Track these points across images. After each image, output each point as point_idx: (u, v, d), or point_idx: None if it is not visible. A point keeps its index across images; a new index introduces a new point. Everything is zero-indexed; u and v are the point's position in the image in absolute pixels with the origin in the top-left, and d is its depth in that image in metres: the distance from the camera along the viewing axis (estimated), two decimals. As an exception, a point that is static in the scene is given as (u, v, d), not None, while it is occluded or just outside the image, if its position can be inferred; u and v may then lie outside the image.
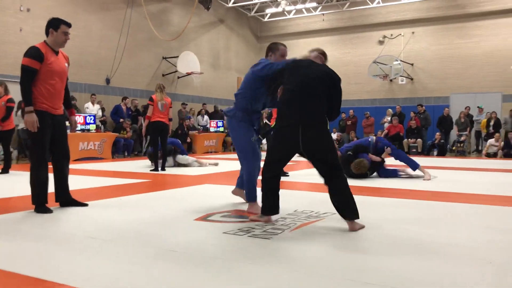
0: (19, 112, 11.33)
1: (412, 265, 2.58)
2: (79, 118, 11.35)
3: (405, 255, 2.78)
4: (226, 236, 3.26)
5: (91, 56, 13.97)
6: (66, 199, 4.44)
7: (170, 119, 8.48)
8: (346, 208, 3.48)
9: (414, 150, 15.36)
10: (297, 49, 21.29)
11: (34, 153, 4.23)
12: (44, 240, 3.13)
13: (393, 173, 7.47)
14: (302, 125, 3.47)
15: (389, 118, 16.68)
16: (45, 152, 4.24)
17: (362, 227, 3.52)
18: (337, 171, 3.51)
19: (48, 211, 4.14)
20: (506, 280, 2.33)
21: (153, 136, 8.45)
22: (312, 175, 7.57)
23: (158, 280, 2.31)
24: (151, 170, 8.28)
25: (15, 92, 11.56)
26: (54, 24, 4.27)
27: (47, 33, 4.30)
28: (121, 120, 13.01)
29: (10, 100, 7.89)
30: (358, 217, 3.47)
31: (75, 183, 6.15)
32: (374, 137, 7.64)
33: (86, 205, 4.48)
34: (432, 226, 3.67)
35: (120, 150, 12.74)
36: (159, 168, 8.38)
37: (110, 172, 8.37)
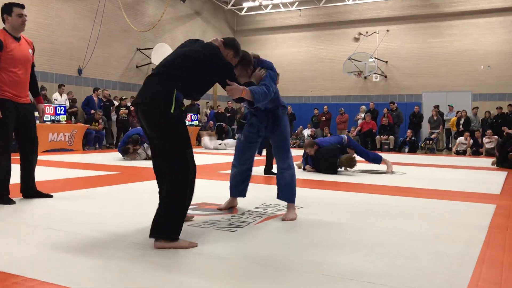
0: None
1: (371, 257, 2.62)
2: (48, 109, 11.12)
3: (364, 249, 2.82)
4: (191, 228, 3.25)
5: (62, 46, 13.68)
6: (31, 190, 4.35)
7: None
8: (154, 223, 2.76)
9: (386, 146, 15.58)
10: (274, 44, 21.40)
11: None
12: (4, 232, 3.06)
13: (377, 158, 7.74)
14: None
15: (362, 115, 16.87)
16: (8, 142, 4.13)
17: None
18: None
19: (11, 202, 4.04)
20: (459, 273, 2.39)
21: None
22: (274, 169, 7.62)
23: (115, 273, 2.29)
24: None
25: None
26: (6, 9, 4.11)
27: (3, 21, 4.16)
28: (92, 111, 12.80)
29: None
30: (157, 236, 2.71)
31: (43, 174, 6.05)
32: (346, 137, 7.71)
33: (50, 196, 4.40)
34: (394, 220, 3.73)
35: (91, 142, 12.55)
36: None
37: (80, 164, 8.24)
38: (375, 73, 18.50)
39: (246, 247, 2.80)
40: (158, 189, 3.08)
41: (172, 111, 2.76)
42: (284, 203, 4.29)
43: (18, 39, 4.16)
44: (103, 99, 13.78)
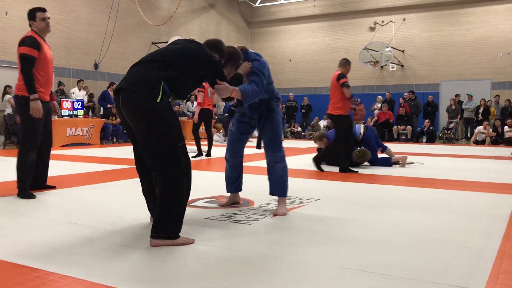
0: (6, 97, 11.22)
1: (388, 249, 2.61)
2: (66, 103, 11.26)
3: (381, 240, 2.80)
4: (208, 221, 3.27)
5: (79, 41, 13.80)
6: (41, 183, 4.53)
7: (213, 106, 8.72)
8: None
9: (404, 137, 15.43)
10: (289, 35, 21.27)
11: (27, 139, 4.24)
12: (29, 227, 3.12)
13: (385, 162, 7.17)
14: None
15: (379, 105, 16.72)
16: (38, 138, 4.29)
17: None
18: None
19: (31, 196, 4.12)
20: (479, 265, 2.36)
21: (198, 123, 8.47)
22: (297, 160, 7.60)
23: (134, 265, 2.32)
24: (193, 157, 8.05)
25: (3, 77, 11.44)
26: (30, 15, 4.38)
27: (30, 26, 4.38)
28: (109, 106, 12.91)
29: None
30: (155, 235, 2.63)
31: (62, 168, 6.14)
32: (362, 127, 7.25)
33: (54, 187, 4.60)
34: (411, 211, 3.70)
35: (109, 136, 12.68)
36: (204, 154, 8.49)
37: (98, 158, 8.34)
38: (391, 63, 18.27)
39: (261, 240, 2.81)
40: (142, 188, 3.02)
41: (158, 100, 2.59)
42: (302, 195, 4.30)
43: (44, 41, 4.38)
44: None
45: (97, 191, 4.56)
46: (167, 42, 16.01)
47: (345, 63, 6.34)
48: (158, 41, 16.45)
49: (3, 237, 2.81)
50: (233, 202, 3.88)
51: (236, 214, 3.51)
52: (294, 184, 5.09)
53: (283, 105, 18.69)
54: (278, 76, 21.23)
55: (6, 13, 11.87)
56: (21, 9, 12.18)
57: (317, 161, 6.45)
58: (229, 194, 3.92)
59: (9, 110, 11.09)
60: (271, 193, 3.67)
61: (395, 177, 5.84)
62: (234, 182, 3.82)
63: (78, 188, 4.68)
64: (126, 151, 9.59)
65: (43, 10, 4.39)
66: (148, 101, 2.60)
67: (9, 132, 11.18)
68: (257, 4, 21.50)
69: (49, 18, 4.40)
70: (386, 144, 7.73)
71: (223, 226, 3.14)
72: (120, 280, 2.09)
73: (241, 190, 3.89)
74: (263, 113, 3.56)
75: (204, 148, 8.71)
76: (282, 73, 21.12)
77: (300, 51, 20.75)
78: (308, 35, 20.69)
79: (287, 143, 13.30)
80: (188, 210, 3.66)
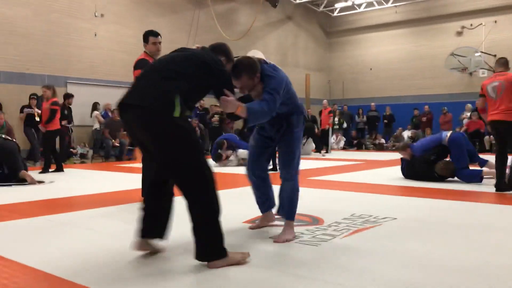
0: (94, 113, 11.87)
1: (475, 278, 2.26)
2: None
3: (466, 268, 2.46)
4: (271, 241, 3.09)
5: (161, 58, 14.33)
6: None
7: None
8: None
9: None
10: (370, 43, 20.68)
11: None
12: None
13: (473, 175, 6.19)
14: None
15: (468, 114, 15.63)
16: None
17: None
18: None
19: None
20: None
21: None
22: (379, 173, 7.20)
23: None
24: None
25: (91, 95, 12.16)
26: (144, 37, 4.71)
27: (144, 47, 4.75)
28: (189, 120, 13.22)
29: (54, 103, 8.15)
30: (208, 259, 2.48)
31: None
32: (448, 134, 6.46)
33: None
34: (500, 233, 3.27)
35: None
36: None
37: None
38: (481, 68, 17.04)
39: (327, 265, 2.58)
40: (148, 208, 2.69)
41: (176, 114, 2.38)
42: (377, 214, 4.00)
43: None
44: (199, 107, 14.20)
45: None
46: (245, 55, 16.18)
47: (506, 62, 5.67)
48: (236, 56, 16.61)
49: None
50: (268, 221, 3.54)
51: (302, 234, 3.30)
52: (370, 201, 4.79)
53: (364, 116, 18.14)
54: (358, 85, 20.70)
55: (95, 35, 12.62)
56: (108, 30, 12.93)
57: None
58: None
59: (96, 126, 11.72)
60: (278, 212, 3.38)
61: (486, 194, 5.29)
62: (263, 202, 3.48)
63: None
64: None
65: (155, 35, 4.68)
66: (165, 117, 2.39)
67: (96, 147, 11.81)
68: (336, 14, 21.17)
69: (160, 42, 4.67)
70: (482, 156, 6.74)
71: (287, 247, 2.95)
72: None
73: (273, 206, 3.51)
74: (282, 127, 3.22)
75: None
76: (363, 82, 20.54)
77: (381, 59, 20.07)
78: (390, 42, 19.97)
79: (368, 155, 12.81)
80: (251, 230, 3.52)
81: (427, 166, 6.32)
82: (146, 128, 2.43)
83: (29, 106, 10.28)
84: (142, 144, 2.63)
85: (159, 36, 4.71)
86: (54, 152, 8.32)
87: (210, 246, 2.47)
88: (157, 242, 2.74)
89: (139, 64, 4.45)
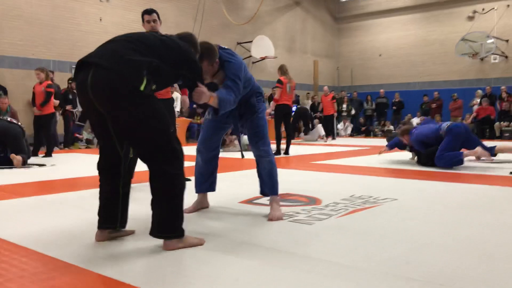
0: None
1: (468, 259, 2.17)
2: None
3: (464, 247, 2.36)
4: (265, 220, 3.01)
5: (167, 44, 14.23)
6: None
7: (293, 102, 8.60)
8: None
9: (507, 134, 14.02)
10: (379, 29, 20.36)
11: None
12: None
13: (455, 156, 5.70)
14: None
15: (478, 100, 15.39)
16: None
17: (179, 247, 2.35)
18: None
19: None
20: None
21: (278, 119, 8.27)
22: (373, 159, 7.09)
23: (176, 265, 2.13)
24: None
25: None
26: (142, 17, 4.52)
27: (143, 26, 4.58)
28: (194, 106, 13.15)
29: (49, 86, 8.08)
30: (165, 236, 2.34)
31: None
32: (446, 127, 5.86)
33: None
34: (497, 217, 3.16)
35: (194, 135, 12.94)
36: (282, 152, 8.23)
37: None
38: (493, 54, 16.72)
39: (319, 243, 2.49)
40: (104, 192, 2.49)
41: (142, 88, 2.18)
42: (378, 195, 3.90)
43: None
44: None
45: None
46: (251, 41, 16.06)
47: None
48: (242, 41, 16.51)
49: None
50: (201, 207, 3.32)
51: (298, 213, 3.21)
52: (371, 183, 4.69)
53: (373, 102, 17.94)
54: (367, 72, 20.44)
55: (100, 19, 12.54)
56: (113, 15, 12.84)
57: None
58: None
59: (102, 111, 11.69)
60: (262, 192, 3.26)
61: (488, 176, 5.16)
62: (206, 180, 3.30)
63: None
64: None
65: (149, 12, 4.48)
66: (131, 85, 2.18)
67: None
68: (344, -1, 20.87)
69: (155, 20, 4.45)
70: (487, 143, 6.40)
71: (280, 226, 2.87)
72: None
73: (213, 190, 3.36)
74: (244, 111, 3.15)
75: (282, 146, 8.47)
76: (372, 68, 20.27)
77: (391, 45, 19.77)
78: (400, 28, 19.64)
79: (375, 142, 12.66)
80: (248, 207, 3.46)
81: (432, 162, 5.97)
82: (108, 92, 2.19)
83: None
84: (91, 112, 2.33)
85: (154, 13, 4.46)
86: (49, 137, 8.24)
87: (169, 222, 2.31)
88: (119, 231, 2.57)
89: None
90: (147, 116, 2.25)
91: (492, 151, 6.03)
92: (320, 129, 13.69)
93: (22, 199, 3.85)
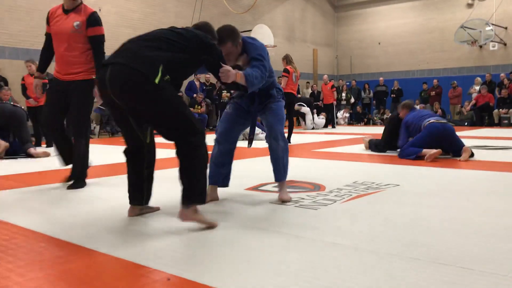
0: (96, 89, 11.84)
1: (471, 240, 2.24)
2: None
3: (464, 230, 2.43)
4: (273, 206, 3.09)
5: (167, 33, 14.22)
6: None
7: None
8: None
9: (506, 121, 14.09)
10: (378, 17, 20.33)
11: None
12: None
13: (412, 152, 5.56)
14: None
15: (477, 88, 15.43)
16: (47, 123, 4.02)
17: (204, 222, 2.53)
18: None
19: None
20: None
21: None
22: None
23: (189, 247, 2.20)
24: None
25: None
26: None
27: None
28: (194, 95, 13.19)
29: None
30: (190, 202, 2.49)
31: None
32: (427, 123, 5.67)
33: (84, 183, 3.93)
34: (508, 199, 3.24)
35: (195, 125, 12.98)
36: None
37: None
38: (492, 41, 16.73)
39: (325, 227, 2.57)
40: (128, 169, 2.76)
41: (156, 81, 2.36)
42: (380, 181, 3.97)
43: (67, 11, 3.84)
44: (205, 83, 14.15)
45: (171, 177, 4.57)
46: (251, 30, 16.04)
47: None
48: (242, 30, 16.45)
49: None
50: (211, 199, 3.22)
51: (303, 198, 3.29)
52: (373, 170, 4.77)
53: (371, 91, 17.97)
54: (366, 60, 20.44)
55: (100, 10, 12.50)
56: (114, 4, 12.82)
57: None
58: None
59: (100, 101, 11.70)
60: (276, 179, 3.27)
61: (490, 162, 5.24)
62: (220, 172, 3.28)
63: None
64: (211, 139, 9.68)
65: None
66: (145, 78, 2.37)
67: (102, 122, 11.83)
68: (343, -13, 20.80)
69: None
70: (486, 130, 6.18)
71: (286, 211, 2.94)
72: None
73: (227, 185, 3.34)
74: (262, 99, 3.21)
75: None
76: (371, 57, 20.27)
77: (390, 33, 19.76)
78: (399, 16, 19.62)
79: (376, 130, 12.73)
80: (255, 194, 3.53)
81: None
82: (126, 85, 2.39)
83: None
84: (111, 105, 2.53)
85: None
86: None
87: (195, 188, 2.48)
88: (147, 207, 2.87)
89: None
90: (163, 102, 2.42)
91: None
92: (321, 121, 13.75)
93: (34, 188, 3.91)
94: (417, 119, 5.84)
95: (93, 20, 3.84)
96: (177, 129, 2.49)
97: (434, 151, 5.33)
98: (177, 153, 2.51)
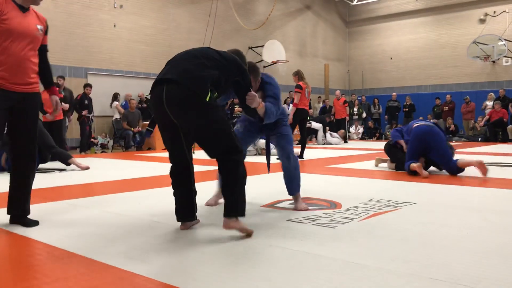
0: (114, 104, 12.00)
1: (492, 261, 2.24)
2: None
3: (484, 250, 2.43)
4: (291, 224, 3.10)
5: (180, 49, 14.16)
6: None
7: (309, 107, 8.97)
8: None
9: (520, 137, 13.98)
10: (389, 32, 20.41)
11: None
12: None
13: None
14: None
15: (490, 103, 15.36)
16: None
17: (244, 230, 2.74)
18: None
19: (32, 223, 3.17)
20: None
21: (294, 124, 8.40)
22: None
23: (219, 264, 2.23)
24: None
25: (111, 85, 12.30)
26: None
27: None
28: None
29: (59, 91, 8.28)
30: (234, 214, 2.69)
31: (157, 169, 6.31)
32: (418, 124, 5.82)
33: (37, 224, 3.16)
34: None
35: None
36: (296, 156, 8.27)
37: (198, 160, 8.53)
38: (505, 56, 16.71)
39: (344, 246, 2.58)
40: (175, 189, 2.95)
41: (207, 99, 2.61)
42: (396, 199, 3.98)
43: (24, 9, 3.08)
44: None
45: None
46: (263, 46, 16.18)
47: None
48: (254, 46, 16.65)
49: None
50: (221, 198, 3.58)
51: (320, 217, 3.30)
52: (389, 187, 4.77)
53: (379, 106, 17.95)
54: (378, 75, 20.48)
55: (114, 26, 12.73)
56: (127, 21, 13.03)
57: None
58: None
59: (117, 116, 11.86)
60: (290, 193, 3.63)
61: (505, 180, 5.21)
62: None
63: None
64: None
65: None
66: (199, 98, 2.60)
67: (116, 137, 11.95)
68: (355, 3, 20.94)
69: None
70: (500, 146, 6.23)
71: (304, 229, 2.96)
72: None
73: None
74: (273, 124, 3.53)
75: (297, 150, 8.54)
76: (383, 72, 20.32)
77: (402, 49, 19.81)
78: (410, 31, 19.69)
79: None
80: (271, 211, 3.55)
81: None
82: (181, 104, 2.61)
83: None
84: (165, 123, 2.77)
85: None
86: (61, 141, 8.47)
87: (236, 202, 2.68)
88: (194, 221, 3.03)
89: None
90: (213, 121, 2.65)
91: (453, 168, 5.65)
92: (334, 140, 13.73)
93: (54, 203, 3.97)
94: (410, 125, 6.01)
95: (47, 27, 3.30)
96: (221, 147, 2.68)
97: (415, 165, 5.43)
98: (220, 169, 2.70)
